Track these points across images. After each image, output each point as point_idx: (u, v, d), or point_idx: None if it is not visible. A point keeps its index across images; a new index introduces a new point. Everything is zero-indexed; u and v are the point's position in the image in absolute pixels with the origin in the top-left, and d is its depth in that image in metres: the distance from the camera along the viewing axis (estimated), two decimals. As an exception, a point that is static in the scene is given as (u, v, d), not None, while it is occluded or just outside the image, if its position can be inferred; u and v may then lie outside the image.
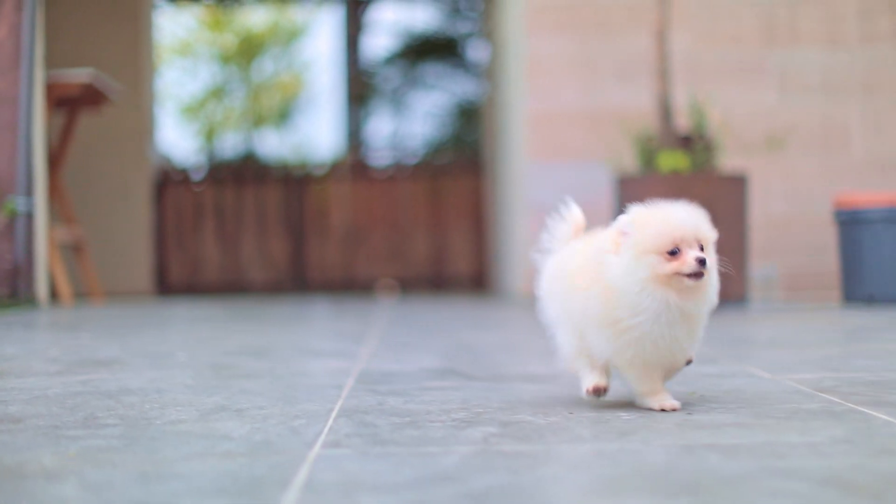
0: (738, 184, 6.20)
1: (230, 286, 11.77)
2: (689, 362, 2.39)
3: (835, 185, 7.67)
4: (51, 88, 7.16)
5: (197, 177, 12.07)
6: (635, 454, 1.83)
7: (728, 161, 6.94)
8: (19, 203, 6.50)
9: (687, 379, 2.76)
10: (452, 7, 15.33)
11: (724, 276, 2.38)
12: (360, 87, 15.04)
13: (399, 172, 12.13)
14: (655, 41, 6.64)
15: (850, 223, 6.43)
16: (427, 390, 2.73)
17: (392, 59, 15.60)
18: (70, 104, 7.64)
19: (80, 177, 9.90)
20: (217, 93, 16.79)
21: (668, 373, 2.37)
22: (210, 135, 16.60)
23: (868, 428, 2.08)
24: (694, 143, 6.25)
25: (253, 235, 11.89)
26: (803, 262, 7.83)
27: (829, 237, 7.29)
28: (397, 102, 15.69)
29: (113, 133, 10.45)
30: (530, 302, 7.62)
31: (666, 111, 6.37)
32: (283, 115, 16.96)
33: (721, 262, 2.36)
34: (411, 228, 11.91)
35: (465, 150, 14.43)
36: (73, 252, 8.10)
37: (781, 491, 1.53)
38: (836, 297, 6.94)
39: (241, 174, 12.13)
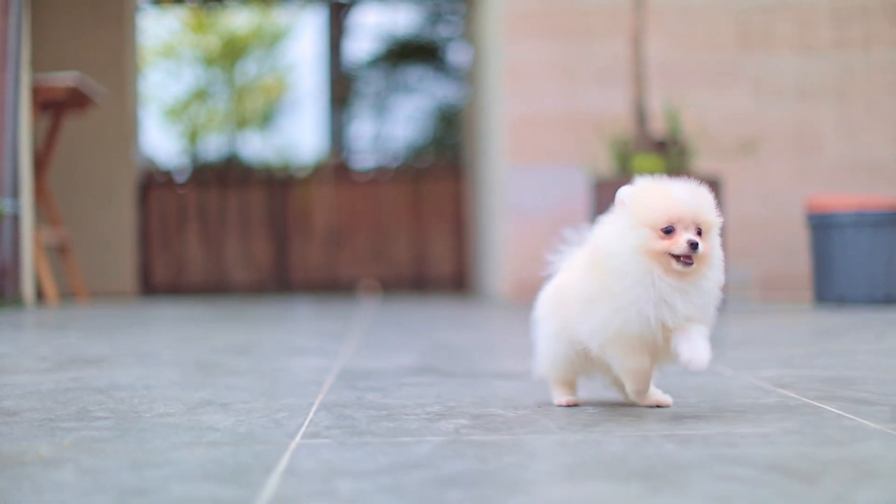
0: (712, 187, 6.31)
1: (214, 287, 11.88)
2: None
3: (808, 188, 7.81)
4: (37, 92, 7.24)
5: (181, 179, 12.16)
6: (596, 444, 1.96)
7: (704, 164, 7.07)
8: (5, 205, 6.59)
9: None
10: (434, 11, 15.43)
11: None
12: (343, 90, 15.13)
13: (381, 175, 12.26)
14: (631, 47, 6.76)
15: (822, 227, 6.58)
16: (404, 386, 2.85)
17: (374, 63, 15.69)
18: (55, 107, 7.72)
19: (66, 179, 9.99)
20: (200, 95, 16.84)
21: (659, 358, 2.30)
22: (193, 137, 16.66)
23: (818, 420, 2.20)
24: (669, 147, 6.38)
25: (236, 237, 11.99)
26: (777, 264, 7.96)
27: (801, 239, 7.43)
28: (379, 105, 15.78)
29: (97, 135, 10.53)
30: (509, 302, 7.74)
31: (641, 116, 6.50)
32: (267, 118, 17.03)
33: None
34: (393, 230, 12.04)
35: (446, 154, 14.53)
36: (58, 253, 8.19)
37: (727, 475, 1.65)
38: (808, 297, 7.09)
39: (224, 176, 12.23)
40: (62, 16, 10.70)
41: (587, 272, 2.26)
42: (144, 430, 2.13)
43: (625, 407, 2.44)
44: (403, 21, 15.63)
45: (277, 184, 12.18)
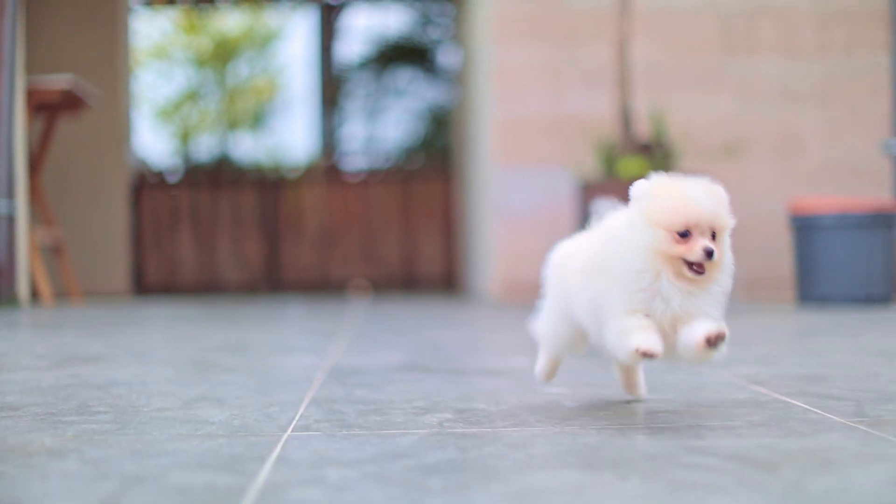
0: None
1: (206, 287, 11.97)
2: (717, 341, 2.17)
3: (791, 190, 7.92)
4: (31, 94, 7.33)
5: (173, 179, 12.25)
6: (572, 435, 2.06)
7: (689, 167, 7.18)
8: (1, 206, 6.68)
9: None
10: (424, 13, 15.51)
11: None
12: (334, 92, 15.21)
13: (372, 177, 12.36)
14: (617, 51, 6.87)
15: (805, 228, 6.70)
16: (392, 383, 2.95)
17: (365, 65, 15.76)
18: (49, 109, 7.81)
19: (59, 180, 10.08)
20: (192, 96, 16.90)
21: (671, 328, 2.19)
22: (185, 137, 16.72)
23: (785, 414, 2.31)
24: (653, 149, 6.49)
25: (228, 237, 12.09)
26: (761, 265, 8.08)
27: (785, 240, 7.54)
28: (370, 107, 15.86)
29: (90, 137, 10.62)
30: (498, 302, 7.84)
31: (626, 119, 6.61)
32: (258, 119, 17.09)
33: None
34: (384, 231, 12.15)
35: (436, 155, 14.63)
36: (52, 253, 8.28)
37: (692, 465, 1.76)
38: (791, 297, 7.21)
39: (216, 177, 12.32)
40: (55, 18, 10.78)
41: (595, 269, 2.20)
42: (143, 424, 2.24)
43: (602, 402, 2.54)
44: (394, 23, 15.70)
45: (269, 185, 12.27)
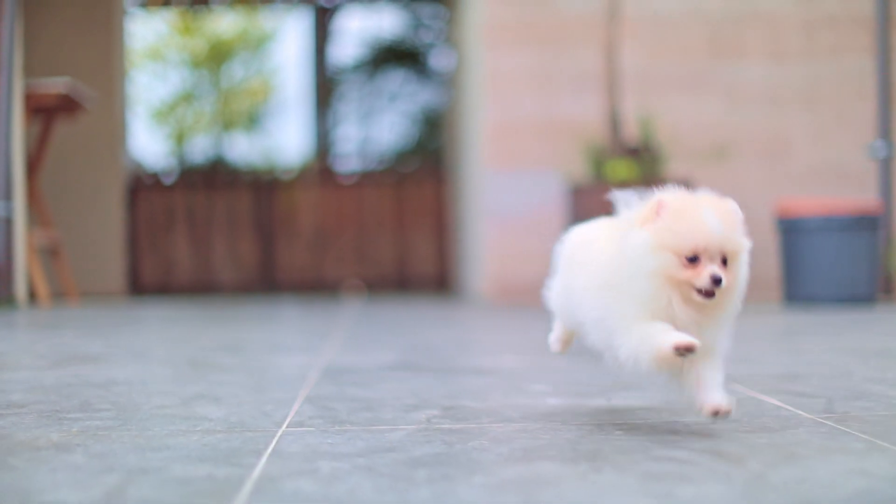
0: (683, 192, 6.54)
1: (201, 287, 12.07)
2: (722, 416, 2.10)
3: (778, 193, 8.03)
4: (28, 98, 7.42)
5: (168, 181, 12.34)
6: (552, 431, 2.17)
7: (677, 170, 7.29)
8: None
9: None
10: (417, 16, 15.60)
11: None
12: (328, 94, 15.31)
13: (365, 178, 12.46)
14: (605, 56, 6.98)
15: (791, 231, 6.82)
16: (383, 381, 3.06)
17: (358, 67, 15.85)
18: (46, 112, 7.89)
19: (56, 182, 10.17)
20: (187, 97, 16.99)
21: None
22: (180, 138, 16.80)
23: (758, 411, 2.42)
24: (642, 153, 6.60)
25: (223, 239, 12.18)
26: (748, 265, 8.16)
27: (771, 242, 7.65)
28: (363, 109, 15.95)
29: (87, 139, 10.71)
30: (489, 302, 7.93)
31: (615, 123, 6.72)
32: (253, 120, 17.18)
33: None
34: (377, 232, 12.25)
35: (428, 158, 14.73)
36: (49, 255, 8.37)
37: (664, 457, 1.87)
38: (777, 298, 7.32)
39: (211, 179, 12.41)
40: (51, 20, 10.87)
41: (607, 287, 2.12)
42: (144, 420, 2.34)
43: (584, 400, 2.65)
44: (388, 26, 15.79)
45: (264, 186, 12.37)
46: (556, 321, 2.55)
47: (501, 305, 7.93)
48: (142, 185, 12.11)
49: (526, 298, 8.05)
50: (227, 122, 16.99)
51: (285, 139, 16.59)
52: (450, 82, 12.51)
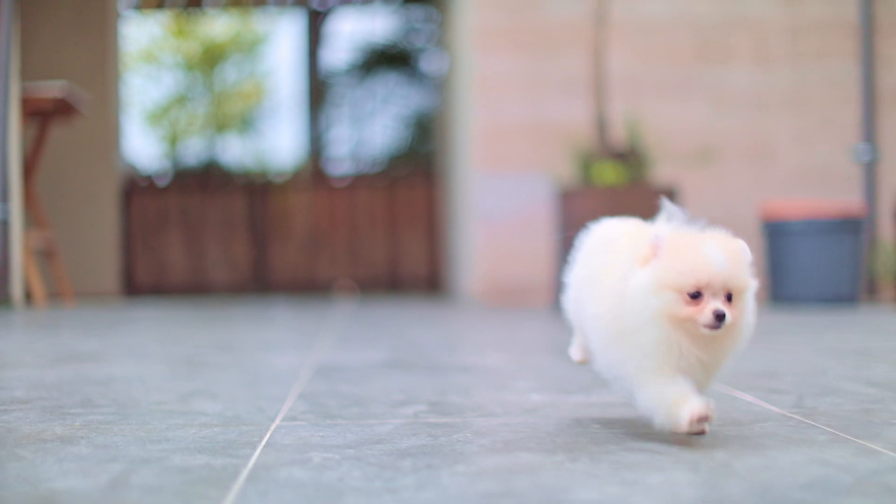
0: (669, 196, 6.65)
1: (195, 288, 12.16)
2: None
3: (763, 196, 8.14)
4: (25, 101, 7.50)
5: (162, 184, 12.43)
6: (533, 425, 2.28)
7: (664, 173, 7.40)
8: (-3, 210, 6.88)
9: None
10: (409, 20, 15.70)
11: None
12: (320, 97, 15.41)
13: (358, 181, 12.56)
14: (592, 61, 7.09)
15: (775, 233, 6.95)
16: (373, 378, 3.17)
17: (351, 70, 15.95)
18: (42, 116, 7.97)
19: (52, 184, 10.25)
20: (181, 100, 17.10)
21: None
22: (174, 141, 16.91)
23: (731, 406, 2.53)
24: (628, 156, 6.70)
25: (217, 240, 12.28)
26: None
27: (757, 244, 7.76)
28: (356, 112, 16.05)
29: (81, 142, 10.80)
30: (479, 303, 8.01)
31: (602, 126, 6.83)
32: (246, 122, 17.29)
33: None
34: (369, 234, 12.36)
35: (420, 161, 14.83)
36: (45, 256, 8.46)
37: (637, 449, 1.98)
38: (762, 298, 7.44)
39: (205, 182, 12.51)
40: (46, 24, 10.96)
41: (616, 338, 2.06)
42: (143, 415, 2.45)
43: (566, 397, 2.76)
44: (380, 29, 15.90)
45: (257, 189, 12.47)
46: (574, 329, 2.44)
47: (491, 306, 8.05)
48: (136, 188, 12.20)
49: (515, 299, 8.16)
50: (221, 125, 17.09)
51: (278, 142, 16.69)
52: (441, 86, 12.61)
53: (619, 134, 7.20)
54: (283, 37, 16.75)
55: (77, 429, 2.24)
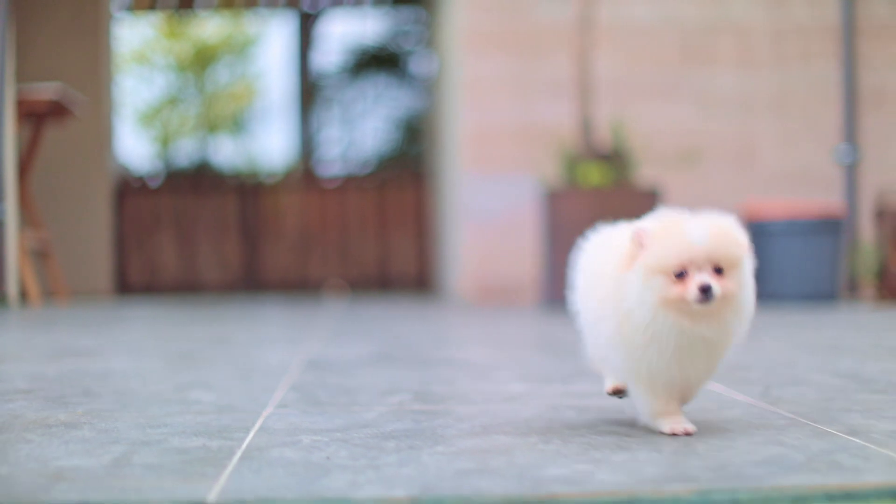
0: (652, 198, 6.80)
1: (186, 287, 12.28)
2: None
3: (747, 196, 8.27)
4: (20, 103, 7.61)
5: (154, 185, 12.54)
6: (511, 411, 2.41)
7: (649, 175, 7.53)
8: (-7, 210, 6.99)
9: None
10: (399, 22, 15.82)
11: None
12: (311, 98, 15.52)
13: (348, 183, 12.69)
14: (578, 64, 7.21)
15: (758, 234, 7.10)
16: (361, 371, 3.29)
17: (341, 72, 16.06)
18: (37, 117, 8.07)
19: (46, 185, 10.36)
20: (172, 101, 17.20)
21: (682, 399, 2.18)
22: (166, 141, 17.01)
23: (702, 395, 2.66)
24: (613, 158, 6.83)
25: (209, 241, 12.39)
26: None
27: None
28: (346, 114, 16.16)
29: (75, 143, 10.90)
30: (467, 302, 8.14)
31: (586, 129, 6.96)
32: (237, 123, 17.39)
33: None
34: (360, 234, 12.48)
35: (409, 162, 14.95)
36: (39, 255, 8.56)
37: (607, 431, 2.11)
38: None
39: (197, 183, 12.63)
40: (39, 26, 11.04)
41: (609, 315, 2.06)
42: (142, 403, 2.57)
43: (546, 387, 2.89)
44: (371, 31, 16.00)
45: (249, 190, 12.59)
46: (601, 367, 2.36)
47: (478, 304, 8.18)
48: (129, 189, 12.31)
49: (502, 297, 8.29)
50: (212, 126, 17.19)
51: (269, 143, 16.80)
52: (430, 87, 12.72)
53: (604, 136, 7.33)
54: (275, 38, 16.86)
55: (80, 416, 2.37)
